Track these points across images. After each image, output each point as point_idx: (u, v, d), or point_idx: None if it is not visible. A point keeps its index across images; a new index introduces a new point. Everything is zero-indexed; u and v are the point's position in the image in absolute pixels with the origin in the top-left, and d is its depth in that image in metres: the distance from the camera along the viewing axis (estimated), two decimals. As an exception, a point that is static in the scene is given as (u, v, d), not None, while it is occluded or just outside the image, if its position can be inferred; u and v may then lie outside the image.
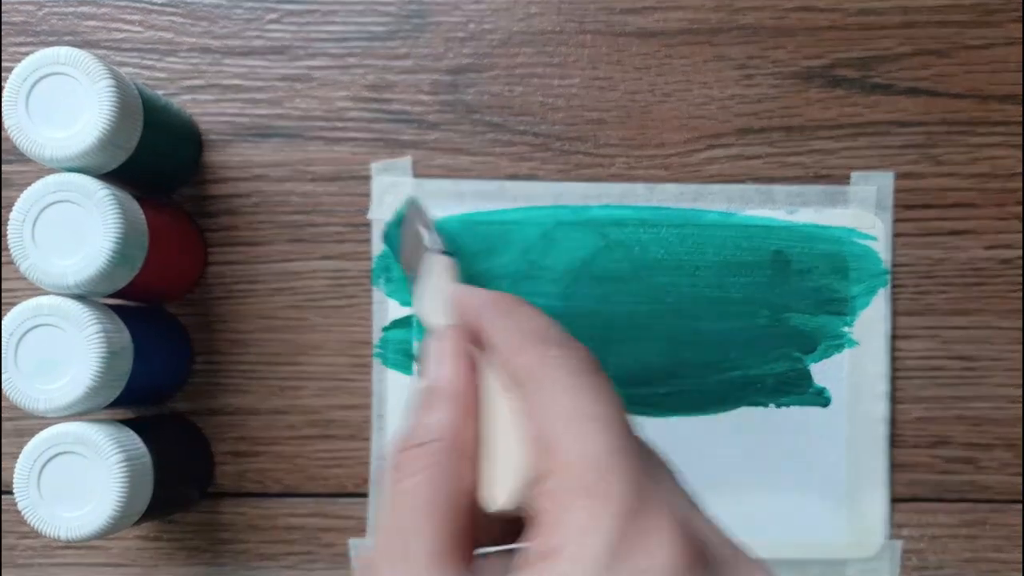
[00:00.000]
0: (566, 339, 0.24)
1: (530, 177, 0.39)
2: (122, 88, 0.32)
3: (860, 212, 0.38)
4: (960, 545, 0.39)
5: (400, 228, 0.37)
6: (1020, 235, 0.38)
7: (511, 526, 0.23)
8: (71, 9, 0.39)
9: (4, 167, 0.39)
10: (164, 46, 0.39)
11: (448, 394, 0.24)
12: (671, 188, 0.38)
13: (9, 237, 0.32)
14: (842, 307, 0.38)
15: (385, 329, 0.38)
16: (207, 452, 0.39)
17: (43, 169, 0.38)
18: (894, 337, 0.38)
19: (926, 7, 0.38)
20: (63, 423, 0.33)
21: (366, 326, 0.38)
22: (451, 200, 0.38)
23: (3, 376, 0.32)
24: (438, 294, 0.30)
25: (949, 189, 0.39)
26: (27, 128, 0.32)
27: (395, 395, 0.38)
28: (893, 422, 0.38)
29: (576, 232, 0.38)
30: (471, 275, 0.38)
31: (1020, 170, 0.38)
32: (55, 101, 0.32)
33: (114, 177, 0.34)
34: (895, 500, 0.38)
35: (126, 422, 0.35)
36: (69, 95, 0.32)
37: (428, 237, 0.33)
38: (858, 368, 0.38)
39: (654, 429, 0.38)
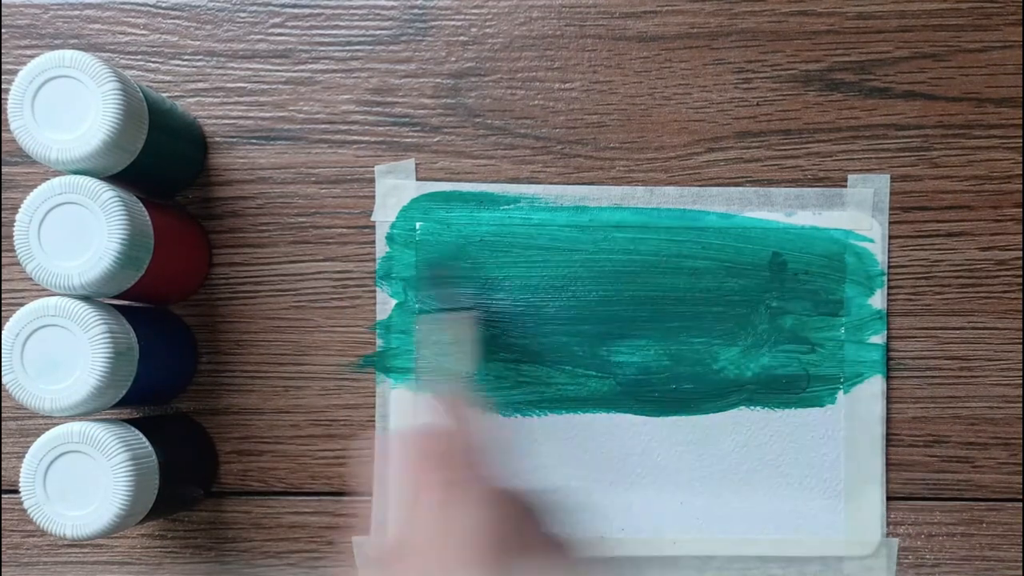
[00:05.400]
0: None
1: (531, 180, 0.39)
2: (127, 91, 0.33)
3: (857, 214, 0.39)
4: (956, 543, 0.39)
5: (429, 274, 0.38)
6: (1015, 237, 0.39)
7: None
8: (76, 12, 0.39)
9: (10, 169, 0.39)
10: (169, 49, 0.39)
11: None
12: (671, 191, 0.39)
13: (15, 238, 0.32)
14: (839, 308, 0.39)
15: (388, 330, 0.39)
16: (212, 451, 0.39)
17: (49, 171, 0.39)
18: (890, 337, 0.39)
19: (923, 11, 0.39)
20: (69, 422, 0.33)
21: (369, 326, 0.39)
22: (453, 203, 0.39)
23: (10, 376, 0.32)
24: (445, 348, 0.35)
25: (945, 191, 0.39)
26: (33, 130, 0.32)
27: (398, 394, 0.39)
28: (890, 421, 0.39)
29: (576, 234, 0.39)
30: (476, 277, 0.38)
31: (1016, 172, 0.39)
32: (61, 104, 0.32)
33: (119, 179, 0.34)
34: (892, 498, 0.39)
35: (131, 422, 0.35)
36: (75, 98, 0.32)
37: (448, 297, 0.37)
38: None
39: (654, 429, 0.39)
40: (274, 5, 0.39)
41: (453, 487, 0.27)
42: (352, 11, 0.39)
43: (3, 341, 0.32)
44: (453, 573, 0.24)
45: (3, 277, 0.39)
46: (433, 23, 0.39)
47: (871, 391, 0.39)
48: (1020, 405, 0.39)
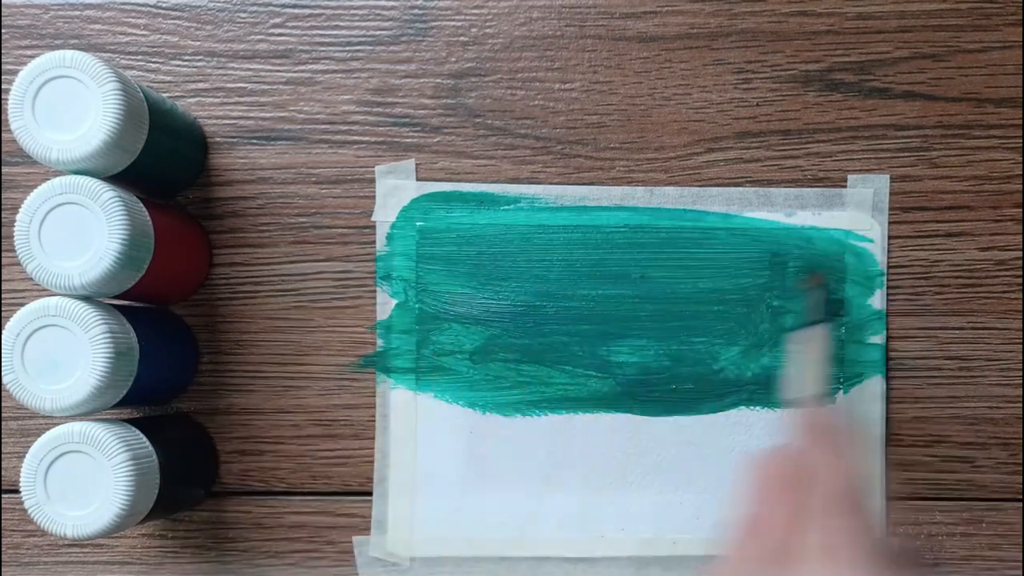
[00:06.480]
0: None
1: (531, 180, 0.39)
2: (127, 91, 0.33)
3: (857, 214, 0.39)
4: (956, 543, 0.39)
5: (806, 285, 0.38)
6: (1015, 237, 0.39)
7: None
8: (77, 13, 0.39)
9: (10, 169, 0.39)
10: (169, 49, 0.39)
11: None
12: (671, 191, 0.39)
13: (16, 238, 0.32)
14: (839, 308, 0.39)
15: (388, 330, 0.39)
16: (212, 451, 0.39)
17: (49, 171, 0.39)
18: (890, 338, 0.39)
19: (923, 11, 0.39)
20: (69, 422, 0.33)
21: (369, 326, 0.39)
22: (453, 203, 0.39)
23: (10, 376, 0.32)
24: (811, 365, 0.35)
25: (945, 192, 0.39)
26: (33, 131, 0.32)
27: (398, 394, 0.39)
28: (889, 422, 0.39)
29: (577, 234, 0.39)
30: (476, 278, 0.39)
31: (1015, 172, 0.39)
32: (61, 104, 0.32)
33: (120, 179, 0.34)
34: (892, 498, 0.39)
35: (132, 421, 0.35)
36: (75, 98, 0.32)
37: (819, 307, 0.37)
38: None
39: (654, 429, 0.39)
40: (275, 5, 0.39)
41: (800, 514, 0.25)
42: (352, 11, 0.39)
43: (3, 341, 0.32)
44: None
45: (3, 277, 0.39)
46: (433, 23, 0.39)
47: (871, 391, 0.39)
48: (1020, 405, 0.39)
